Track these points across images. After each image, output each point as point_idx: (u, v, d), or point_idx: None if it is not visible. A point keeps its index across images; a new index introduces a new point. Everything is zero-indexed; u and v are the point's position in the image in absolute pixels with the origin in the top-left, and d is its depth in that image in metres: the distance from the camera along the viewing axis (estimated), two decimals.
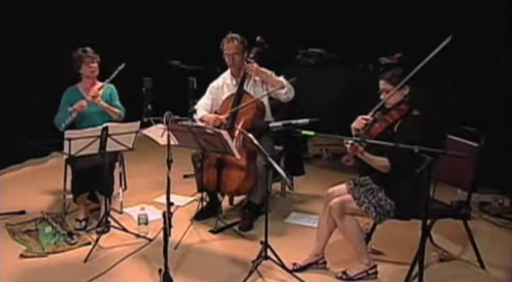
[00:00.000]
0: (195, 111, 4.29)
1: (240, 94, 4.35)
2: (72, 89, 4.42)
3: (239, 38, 4.36)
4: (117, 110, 4.39)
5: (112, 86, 4.49)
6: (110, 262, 3.65)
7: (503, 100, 4.72)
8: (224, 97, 4.48)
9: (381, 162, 3.32)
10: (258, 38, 4.44)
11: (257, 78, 4.37)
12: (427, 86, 3.31)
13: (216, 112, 4.48)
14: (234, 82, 4.46)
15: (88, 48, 4.38)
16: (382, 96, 3.45)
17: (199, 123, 4.33)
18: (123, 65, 4.29)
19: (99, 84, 4.43)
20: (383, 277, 3.50)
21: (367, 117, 3.41)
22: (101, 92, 4.37)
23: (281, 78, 4.32)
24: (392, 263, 3.67)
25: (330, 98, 5.46)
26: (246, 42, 4.39)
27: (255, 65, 4.30)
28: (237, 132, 4.18)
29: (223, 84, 4.53)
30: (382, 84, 3.45)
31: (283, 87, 4.26)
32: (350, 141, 3.25)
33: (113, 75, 4.34)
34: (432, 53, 3.20)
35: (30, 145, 5.17)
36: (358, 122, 3.42)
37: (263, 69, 4.33)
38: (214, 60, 4.72)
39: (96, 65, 4.37)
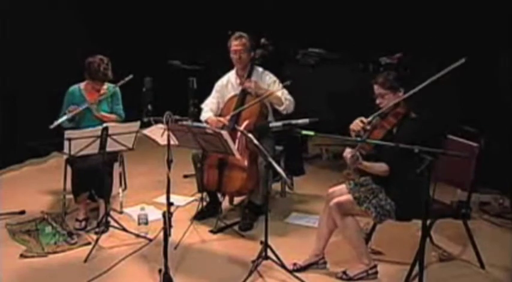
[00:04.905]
0: (199, 109, 4.27)
1: (243, 95, 4.35)
2: (74, 89, 4.38)
3: (247, 36, 4.41)
4: (113, 117, 4.34)
5: (117, 89, 4.42)
6: (110, 262, 3.65)
7: (503, 100, 4.72)
8: (228, 96, 4.49)
9: (379, 167, 3.35)
10: (262, 40, 4.46)
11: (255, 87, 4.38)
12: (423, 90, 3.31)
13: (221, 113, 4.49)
14: (238, 81, 4.47)
15: (105, 62, 4.24)
16: (377, 101, 3.47)
17: (205, 124, 4.34)
18: (131, 76, 4.24)
19: (103, 87, 4.42)
20: (383, 277, 3.50)
21: (365, 120, 3.42)
22: (103, 95, 4.36)
23: (279, 94, 4.34)
24: (393, 263, 3.67)
25: (330, 98, 5.46)
26: (254, 42, 4.43)
27: (253, 83, 4.33)
28: (238, 133, 4.18)
29: (227, 83, 4.54)
30: (376, 89, 3.47)
31: (281, 103, 4.33)
32: (349, 153, 3.27)
33: (119, 84, 4.32)
34: (440, 73, 3.20)
35: (30, 145, 5.16)
36: (356, 124, 3.45)
37: (262, 85, 4.37)
38: (214, 60, 4.72)
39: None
